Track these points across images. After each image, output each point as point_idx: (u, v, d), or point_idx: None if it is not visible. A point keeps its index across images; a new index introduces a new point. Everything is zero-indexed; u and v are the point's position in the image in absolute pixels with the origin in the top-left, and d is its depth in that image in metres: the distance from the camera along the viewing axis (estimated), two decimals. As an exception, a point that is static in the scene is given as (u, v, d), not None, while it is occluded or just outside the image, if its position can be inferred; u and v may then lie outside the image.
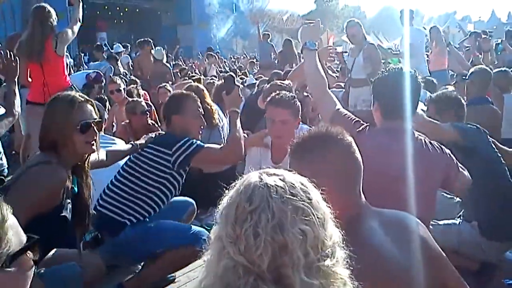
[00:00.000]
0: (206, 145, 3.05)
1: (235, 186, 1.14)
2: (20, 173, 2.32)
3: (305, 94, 5.96)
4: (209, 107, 4.58)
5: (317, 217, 1.08)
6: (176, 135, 3.10)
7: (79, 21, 5.25)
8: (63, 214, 2.29)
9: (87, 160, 2.47)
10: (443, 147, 2.42)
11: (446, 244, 2.48)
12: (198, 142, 3.04)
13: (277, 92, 3.38)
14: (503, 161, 3.25)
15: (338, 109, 2.56)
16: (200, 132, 3.29)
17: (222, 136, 4.98)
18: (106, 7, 23.20)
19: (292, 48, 10.66)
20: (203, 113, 3.33)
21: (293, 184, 1.11)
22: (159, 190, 3.05)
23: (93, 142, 2.37)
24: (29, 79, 5.08)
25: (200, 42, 25.12)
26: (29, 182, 2.21)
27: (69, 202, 2.34)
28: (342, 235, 1.14)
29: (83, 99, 2.39)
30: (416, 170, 2.20)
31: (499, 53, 8.54)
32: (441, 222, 3.11)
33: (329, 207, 1.14)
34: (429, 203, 2.28)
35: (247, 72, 11.82)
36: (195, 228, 3.08)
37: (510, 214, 3.12)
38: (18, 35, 5.53)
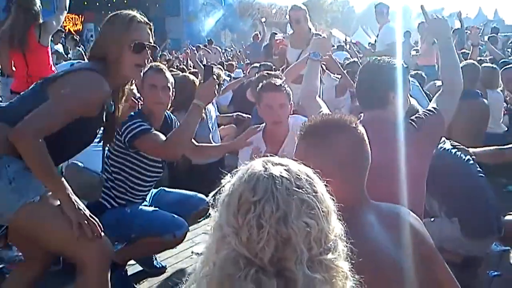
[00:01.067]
0: (150, 132, 2.94)
1: (237, 173, 1.09)
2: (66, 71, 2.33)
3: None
4: None
5: (322, 210, 1.05)
6: (135, 117, 3.06)
7: (66, 9, 5.08)
8: (93, 125, 2.37)
9: (127, 85, 2.45)
10: (426, 112, 2.37)
11: None
12: (146, 126, 2.95)
13: (267, 77, 3.31)
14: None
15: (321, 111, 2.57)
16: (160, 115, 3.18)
17: (211, 129, 4.93)
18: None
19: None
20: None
21: (299, 175, 1.06)
22: (124, 172, 3.09)
23: (142, 67, 2.33)
24: (13, 68, 4.94)
25: (188, 35, 24.97)
26: (76, 83, 2.21)
27: (102, 119, 2.38)
28: (344, 227, 1.12)
29: (142, 21, 2.35)
30: (402, 158, 2.14)
31: (483, 54, 8.52)
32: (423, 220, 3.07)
33: (333, 198, 1.11)
34: (419, 191, 2.24)
35: (234, 65, 11.74)
36: (170, 217, 3.06)
37: (487, 211, 3.10)
38: (0, 23, 5.37)
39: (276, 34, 11.26)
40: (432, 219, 3.10)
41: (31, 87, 2.33)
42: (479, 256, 3.19)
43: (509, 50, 8.73)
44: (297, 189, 1.03)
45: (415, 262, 1.48)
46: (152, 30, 2.41)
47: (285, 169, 1.06)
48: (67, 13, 5.28)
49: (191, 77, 4.76)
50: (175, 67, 8.92)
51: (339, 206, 1.11)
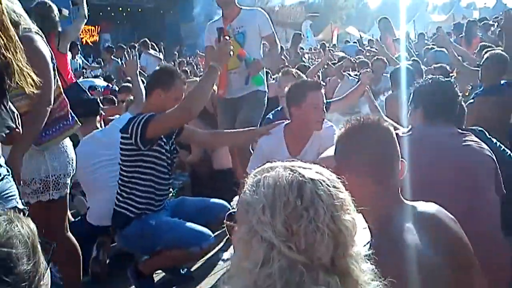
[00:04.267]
0: (157, 114, 2.91)
1: (264, 183, 1.07)
2: None
3: None
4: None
5: (352, 207, 1.10)
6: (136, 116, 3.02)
7: (85, 17, 5.13)
8: None
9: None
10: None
11: None
12: (150, 113, 2.93)
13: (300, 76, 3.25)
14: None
15: None
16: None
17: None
18: (109, 8, 23.09)
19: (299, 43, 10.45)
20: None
21: (329, 176, 1.10)
22: (139, 178, 3.03)
23: None
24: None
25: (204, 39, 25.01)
26: None
27: None
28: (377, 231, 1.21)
29: None
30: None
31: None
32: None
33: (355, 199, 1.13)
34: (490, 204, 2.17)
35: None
36: (196, 230, 3.02)
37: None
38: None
39: (300, 34, 11.06)
40: None
41: None
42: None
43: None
44: (335, 188, 1.07)
45: (453, 267, 1.45)
46: None
47: (316, 172, 1.09)
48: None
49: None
50: (188, 72, 8.76)
51: (373, 208, 1.19)
